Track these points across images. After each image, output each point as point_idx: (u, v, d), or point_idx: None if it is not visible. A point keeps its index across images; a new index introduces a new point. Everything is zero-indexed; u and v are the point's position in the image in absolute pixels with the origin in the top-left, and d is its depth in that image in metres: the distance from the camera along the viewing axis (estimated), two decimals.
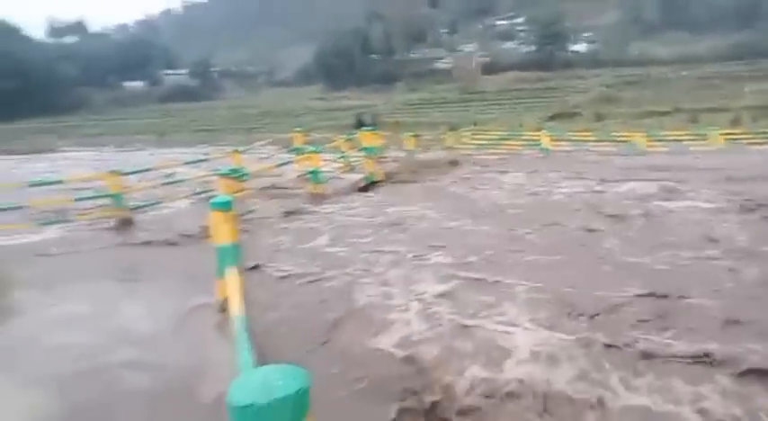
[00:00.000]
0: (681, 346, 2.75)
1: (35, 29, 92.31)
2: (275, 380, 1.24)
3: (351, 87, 59.34)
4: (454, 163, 11.64)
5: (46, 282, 4.82)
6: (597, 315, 3.22)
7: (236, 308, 2.52)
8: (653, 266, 4.03)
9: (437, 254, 4.69)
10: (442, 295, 3.71)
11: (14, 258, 5.70)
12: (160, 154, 23.02)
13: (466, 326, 3.16)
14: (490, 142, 14.86)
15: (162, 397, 2.79)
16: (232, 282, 3.00)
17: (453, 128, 27.66)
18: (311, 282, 4.25)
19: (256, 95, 66.20)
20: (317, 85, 65.73)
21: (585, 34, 67.40)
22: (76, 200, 7.23)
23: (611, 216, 5.76)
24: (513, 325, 3.14)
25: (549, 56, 54.92)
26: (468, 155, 14.31)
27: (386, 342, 3.09)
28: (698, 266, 3.99)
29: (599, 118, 25.43)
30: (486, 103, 39.50)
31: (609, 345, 2.80)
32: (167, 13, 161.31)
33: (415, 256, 4.67)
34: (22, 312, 4.21)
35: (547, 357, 2.73)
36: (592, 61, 53.76)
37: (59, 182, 7.95)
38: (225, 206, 3.85)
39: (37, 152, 27.46)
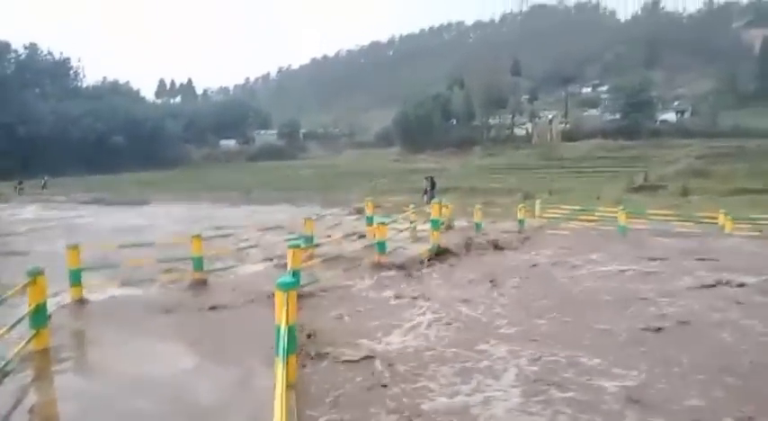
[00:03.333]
0: None
1: (149, 89, 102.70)
2: None
3: (428, 150, 60.63)
4: (524, 238, 11.50)
5: (119, 341, 5.29)
6: None
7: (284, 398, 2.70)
8: None
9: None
10: None
11: (97, 315, 6.29)
12: (244, 211, 24.45)
13: None
14: (564, 216, 14.56)
15: None
16: (280, 371, 3.23)
17: (528, 195, 27.35)
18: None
19: (337, 156, 69.16)
20: (396, 148, 67.79)
21: (675, 103, 65.41)
22: (160, 261, 7.89)
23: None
24: None
25: (634, 124, 53.49)
26: (540, 228, 14.09)
27: None
28: None
29: (685, 192, 24.06)
30: (564, 170, 38.80)
31: None
32: (264, 77, 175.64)
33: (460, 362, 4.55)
34: (93, 373, 4.65)
35: None
36: (681, 131, 51.71)
37: (149, 244, 8.74)
38: (288, 286, 4.16)
39: (134, 204, 30.04)
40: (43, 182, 43.22)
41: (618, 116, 58.26)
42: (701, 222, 12.96)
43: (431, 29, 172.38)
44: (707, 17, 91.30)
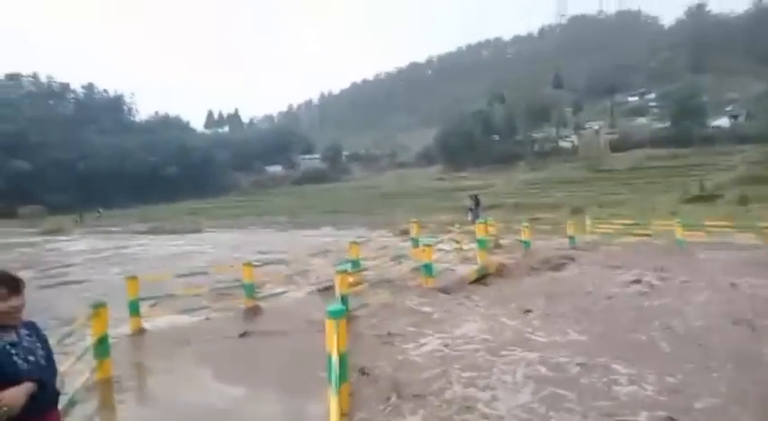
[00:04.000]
0: None
1: (199, 120, 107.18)
2: None
3: (470, 167, 60.27)
4: (571, 257, 11.16)
5: (177, 369, 5.43)
6: None
7: None
8: None
9: None
10: None
11: (155, 344, 6.49)
12: (290, 236, 24.92)
13: None
14: (616, 231, 14.04)
15: None
16: (334, 400, 3.23)
17: (577, 210, 26.58)
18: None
19: (380, 176, 69.70)
20: (438, 166, 67.76)
21: (727, 108, 62.73)
22: (214, 289, 8.11)
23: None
24: None
25: (685, 132, 51.47)
26: (591, 244, 13.65)
27: None
28: None
29: (743, 201, 22.76)
30: (614, 182, 37.57)
31: None
32: (307, 103, 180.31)
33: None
34: (154, 402, 4.78)
35: None
36: (735, 136, 49.37)
37: (203, 272, 9.00)
38: (338, 315, 4.18)
39: (187, 232, 31.13)
40: (98, 214, 45.43)
41: (668, 124, 56.31)
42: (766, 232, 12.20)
43: (468, 46, 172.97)
44: (756, 17, 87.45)
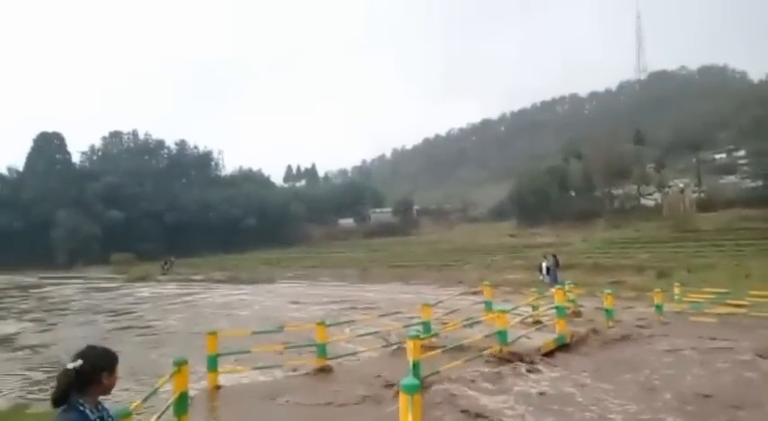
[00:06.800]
0: None
1: (278, 174, 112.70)
2: None
3: (545, 224, 58.63)
4: (664, 328, 10.39)
5: None
6: None
7: None
8: None
9: None
10: None
11: (230, 401, 6.61)
12: (359, 290, 25.09)
13: None
14: (708, 300, 12.90)
15: None
16: None
17: (663, 272, 24.95)
18: None
19: (450, 231, 69.26)
20: (510, 222, 66.47)
21: None
22: (287, 348, 8.23)
23: None
24: None
25: None
26: (680, 313, 12.67)
27: None
28: None
29: None
30: (702, 243, 35.03)
31: None
32: (380, 158, 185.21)
33: None
34: None
35: None
36: None
37: (279, 330, 9.21)
38: (413, 389, 4.11)
39: (262, 282, 32.21)
40: (169, 262, 47.04)
41: (760, 182, 52.47)
42: None
43: (543, 103, 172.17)
44: None
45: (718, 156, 73.03)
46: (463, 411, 5.76)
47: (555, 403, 5.94)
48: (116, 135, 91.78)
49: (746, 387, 6.47)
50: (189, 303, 20.84)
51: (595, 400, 5.99)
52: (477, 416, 5.60)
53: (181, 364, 5.73)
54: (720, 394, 6.11)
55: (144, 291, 27.77)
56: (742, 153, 66.02)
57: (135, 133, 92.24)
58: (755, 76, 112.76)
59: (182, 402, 5.68)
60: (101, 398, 2.11)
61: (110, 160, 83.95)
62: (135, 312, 18.54)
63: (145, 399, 4.44)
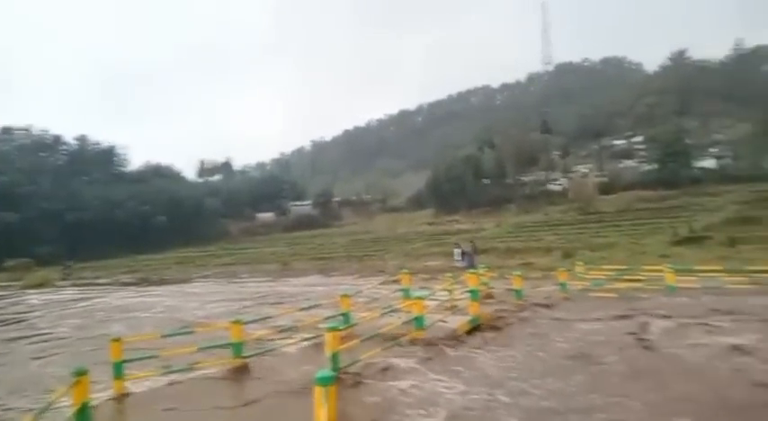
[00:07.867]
0: None
1: (191, 170, 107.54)
2: None
3: (462, 211, 60.62)
4: (567, 304, 11.10)
5: None
6: None
7: None
8: None
9: None
10: None
11: (138, 408, 6.28)
12: (279, 285, 24.70)
13: None
14: (608, 277, 14.02)
15: None
16: None
17: (568, 253, 26.64)
18: None
19: (371, 222, 69.76)
20: (428, 210, 68.06)
21: (712, 149, 64.17)
22: (200, 349, 7.91)
23: None
24: None
25: (672, 173, 52.43)
26: (583, 291, 13.60)
27: None
28: None
29: (732, 242, 22.91)
30: (603, 224, 37.80)
31: None
32: (299, 150, 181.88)
33: None
34: None
35: None
36: (722, 177, 50.35)
37: (190, 332, 8.82)
38: (327, 381, 4.08)
39: (176, 282, 30.83)
40: (68, 267, 43.56)
41: (655, 166, 57.37)
42: (752, 275, 12.22)
43: (458, 94, 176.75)
44: (736, 63, 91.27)
45: (617, 143, 78.73)
46: (383, 396, 5.84)
47: (469, 372, 6.18)
48: (6, 131, 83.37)
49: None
50: (84, 308, 19.53)
51: (505, 369, 6.30)
52: (394, 400, 5.70)
53: (81, 374, 5.35)
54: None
55: (35, 298, 25.63)
56: (639, 139, 71.69)
57: (29, 129, 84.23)
58: (649, 67, 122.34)
59: (83, 414, 5.31)
60: None
61: None
62: (26, 320, 17.10)
63: (36, 416, 4.09)
